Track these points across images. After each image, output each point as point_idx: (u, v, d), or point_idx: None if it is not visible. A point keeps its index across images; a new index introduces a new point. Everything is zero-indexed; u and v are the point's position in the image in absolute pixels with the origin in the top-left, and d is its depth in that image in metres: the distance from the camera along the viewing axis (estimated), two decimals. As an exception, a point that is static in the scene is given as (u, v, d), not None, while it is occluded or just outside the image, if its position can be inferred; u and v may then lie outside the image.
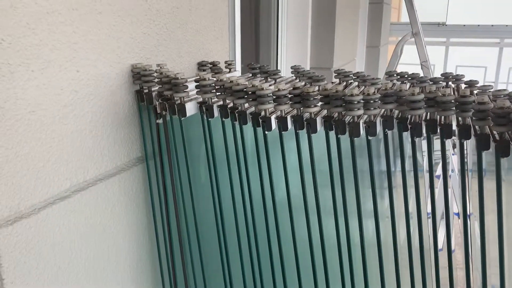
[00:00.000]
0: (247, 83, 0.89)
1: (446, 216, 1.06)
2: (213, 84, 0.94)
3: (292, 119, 0.88)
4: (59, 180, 0.90)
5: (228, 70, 1.39)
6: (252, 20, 2.92)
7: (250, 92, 0.88)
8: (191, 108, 0.96)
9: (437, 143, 0.97)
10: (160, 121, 1.00)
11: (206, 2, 1.35)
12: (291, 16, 2.95)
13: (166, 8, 1.16)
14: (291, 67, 1.30)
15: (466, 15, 6.07)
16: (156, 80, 0.99)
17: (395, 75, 1.23)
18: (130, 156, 1.09)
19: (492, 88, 1.04)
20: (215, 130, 0.97)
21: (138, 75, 1.03)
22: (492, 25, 5.27)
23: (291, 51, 3.00)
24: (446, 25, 5.42)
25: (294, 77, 1.28)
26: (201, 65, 1.33)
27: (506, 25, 5.24)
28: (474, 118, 0.78)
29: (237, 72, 1.40)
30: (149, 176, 1.12)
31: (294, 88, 0.87)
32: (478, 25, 5.32)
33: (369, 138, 0.86)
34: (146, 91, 1.04)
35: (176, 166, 1.03)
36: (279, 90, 0.86)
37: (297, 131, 0.88)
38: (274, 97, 0.86)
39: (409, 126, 0.85)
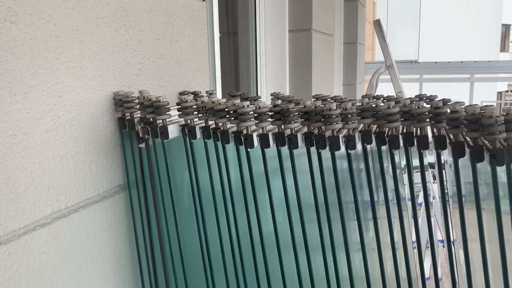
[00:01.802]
0: (228, 103, 0.91)
1: (430, 243, 1.07)
2: (195, 106, 0.95)
3: (274, 136, 0.90)
4: (40, 206, 0.89)
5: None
6: (232, 59, 3.00)
7: (231, 111, 0.90)
8: (173, 131, 0.97)
9: (417, 176, 1.00)
10: (142, 145, 1.01)
11: (186, 35, 1.39)
12: (270, 55, 3.04)
13: (148, 39, 1.19)
14: (271, 94, 1.34)
15: (437, 52, 6.34)
16: (138, 105, 1.00)
17: (371, 97, 1.27)
18: (112, 183, 1.08)
19: (464, 104, 1.08)
20: (198, 153, 0.98)
21: (120, 102, 1.04)
22: (462, 62, 5.51)
23: (270, 89, 3.07)
24: (418, 62, 5.64)
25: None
26: (182, 95, 1.35)
27: (475, 61, 5.48)
28: (448, 127, 0.81)
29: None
30: (132, 204, 1.11)
31: (275, 106, 0.89)
32: (449, 62, 5.55)
33: (349, 151, 0.88)
34: (128, 117, 1.05)
35: (159, 191, 1.02)
36: (260, 107, 0.88)
37: (279, 147, 0.90)
38: (256, 114, 0.88)
39: (387, 139, 0.88)
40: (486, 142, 0.77)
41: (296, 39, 3.09)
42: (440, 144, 0.84)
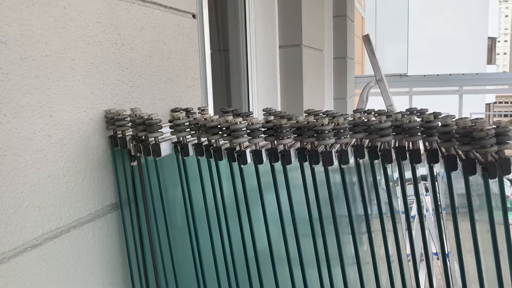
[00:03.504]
0: (221, 119, 0.91)
1: (425, 256, 1.07)
2: (187, 123, 0.95)
3: (267, 152, 0.90)
4: (30, 227, 0.87)
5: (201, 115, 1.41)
6: (223, 75, 3.01)
7: (224, 128, 0.90)
8: (165, 149, 0.97)
9: (409, 188, 1.00)
10: (134, 163, 1.00)
11: (177, 52, 1.40)
12: (260, 71, 3.06)
13: (139, 57, 1.19)
14: (263, 110, 1.34)
15: (425, 66, 6.42)
16: (130, 123, 1.00)
17: (362, 112, 1.28)
18: (104, 202, 1.07)
19: (454, 117, 1.09)
20: (190, 170, 0.98)
21: (112, 120, 1.04)
22: (450, 74, 5.59)
23: (262, 105, 3.08)
24: (407, 76, 5.71)
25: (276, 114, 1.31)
26: (174, 112, 1.34)
27: (463, 74, 5.57)
28: (439, 140, 0.81)
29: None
30: (124, 223, 1.10)
31: (267, 122, 0.89)
32: (438, 75, 5.62)
33: (342, 166, 0.88)
34: (120, 135, 1.05)
35: (152, 209, 1.01)
36: (252, 124, 0.88)
37: (272, 163, 0.90)
38: (248, 131, 0.88)
39: (379, 154, 0.88)
40: (478, 155, 0.78)
41: (287, 55, 3.12)
42: (432, 158, 0.85)
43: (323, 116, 1.23)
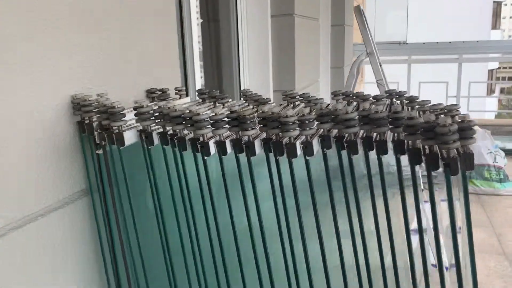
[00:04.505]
0: (184, 109, 0.88)
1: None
2: (152, 111, 0.93)
3: (232, 142, 0.88)
4: (-8, 218, 0.87)
5: (178, 96, 1.39)
6: (213, 46, 2.95)
7: (188, 118, 0.87)
8: (131, 137, 0.95)
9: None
10: (100, 151, 0.98)
11: (153, 31, 1.35)
12: (252, 41, 2.99)
13: (110, 38, 1.15)
14: (241, 91, 1.31)
15: (425, 33, 6.28)
16: (95, 110, 0.98)
17: (340, 94, 1.25)
18: (73, 188, 1.06)
19: (430, 103, 1.07)
20: (158, 158, 0.96)
21: (78, 106, 1.02)
22: (450, 42, 5.47)
23: (254, 76, 3.03)
24: (406, 43, 5.60)
25: (244, 101, 1.29)
26: (149, 93, 1.32)
27: (463, 42, 5.45)
28: (405, 133, 0.79)
29: (187, 98, 1.40)
30: (95, 209, 1.09)
31: (232, 112, 0.87)
32: (437, 43, 5.51)
33: (307, 158, 0.86)
34: (87, 121, 1.03)
35: (118, 197, 1.00)
36: (216, 114, 0.86)
37: (237, 154, 0.88)
38: (212, 121, 0.86)
39: (345, 144, 0.86)
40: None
41: (279, 25, 3.04)
42: (398, 149, 0.83)
43: (299, 98, 1.20)
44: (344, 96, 1.25)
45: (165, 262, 0.99)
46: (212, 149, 0.87)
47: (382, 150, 0.85)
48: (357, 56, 2.57)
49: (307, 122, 0.85)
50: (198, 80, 2.41)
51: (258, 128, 0.88)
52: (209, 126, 0.86)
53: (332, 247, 0.89)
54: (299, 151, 0.86)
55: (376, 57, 2.23)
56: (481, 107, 5.63)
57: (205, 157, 0.87)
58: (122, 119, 0.92)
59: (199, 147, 0.87)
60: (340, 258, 0.90)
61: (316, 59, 3.96)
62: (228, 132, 0.88)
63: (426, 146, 0.80)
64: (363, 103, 0.88)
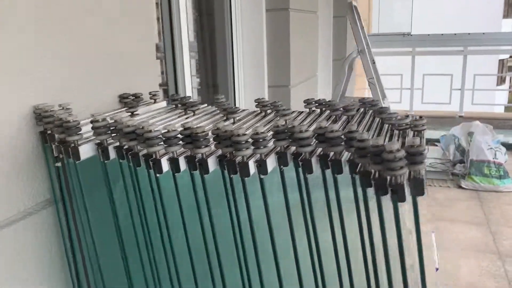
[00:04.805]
0: (138, 124, 0.87)
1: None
2: (108, 125, 0.91)
3: (186, 159, 0.87)
4: None
5: (153, 101, 1.37)
6: (207, 41, 2.92)
7: (140, 134, 0.86)
8: (88, 151, 0.94)
9: None
10: (59, 164, 0.98)
11: (129, 32, 1.33)
12: (246, 36, 2.96)
13: (78, 43, 1.14)
14: (214, 98, 1.29)
15: (430, 25, 6.17)
16: (54, 123, 0.97)
17: (313, 102, 1.23)
18: (36, 199, 1.05)
19: (397, 115, 1.04)
20: (116, 171, 0.95)
21: (40, 117, 1.01)
22: (455, 34, 5.37)
23: (248, 71, 3.00)
24: (411, 35, 5.51)
25: (216, 109, 1.27)
26: (122, 98, 1.30)
27: (469, 33, 5.35)
28: (356, 155, 0.77)
29: (163, 103, 1.38)
30: (60, 218, 1.09)
31: (185, 129, 0.85)
32: (442, 34, 5.41)
33: (261, 176, 0.84)
34: (49, 132, 1.02)
35: (82, 207, 1.00)
36: (168, 131, 0.84)
37: (191, 171, 0.87)
38: (164, 138, 0.84)
39: (300, 163, 0.84)
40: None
41: (274, 19, 2.99)
42: (352, 170, 0.81)
43: (271, 107, 1.18)
44: (317, 104, 1.23)
45: (124, 270, 0.99)
46: (166, 166, 0.86)
47: (337, 170, 0.83)
48: (349, 53, 2.52)
49: (261, 140, 0.83)
50: (188, 76, 2.39)
51: (213, 145, 0.87)
52: (161, 143, 0.85)
53: (285, 267, 0.88)
54: (254, 169, 0.84)
55: (367, 55, 2.19)
56: (491, 100, 5.52)
57: (157, 175, 0.86)
58: (78, 133, 0.91)
59: (151, 164, 0.86)
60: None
61: (314, 53, 3.91)
62: (182, 149, 0.86)
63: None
64: (320, 121, 0.85)
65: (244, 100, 3.02)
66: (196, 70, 3.91)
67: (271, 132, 0.86)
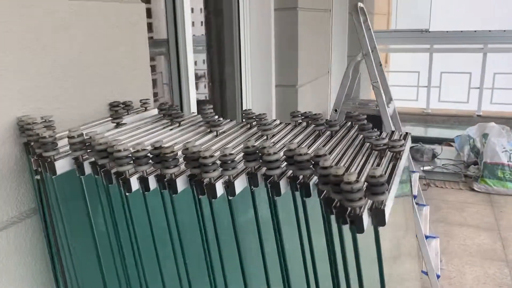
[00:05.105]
0: (109, 141, 0.88)
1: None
2: (83, 141, 0.93)
3: (156, 178, 0.87)
4: None
5: (144, 108, 1.38)
6: (215, 39, 2.92)
7: (111, 153, 0.87)
8: (64, 166, 0.95)
9: None
10: (38, 177, 0.99)
11: (119, 42, 1.34)
12: (254, 35, 2.94)
13: (66, 56, 1.15)
14: (200, 110, 1.30)
15: (449, 21, 6.02)
16: (33, 137, 0.98)
17: (299, 115, 1.22)
18: (20, 208, 1.08)
19: (376, 134, 1.02)
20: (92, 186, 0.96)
21: (23, 128, 1.02)
22: (475, 31, 5.23)
23: (256, 70, 2.99)
24: (429, 31, 5.38)
25: (201, 119, 1.27)
26: (112, 106, 1.32)
27: (490, 31, 5.20)
28: (320, 181, 0.76)
29: (154, 110, 1.39)
30: (43, 227, 1.11)
31: (155, 148, 0.86)
32: (461, 31, 5.28)
33: (229, 198, 0.84)
34: (32, 143, 1.03)
35: (55, 220, 1.02)
36: (137, 151, 0.85)
37: (161, 190, 0.87)
38: (134, 158, 0.85)
39: (268, 185, 0.84)
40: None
41: (282, 18, 2.97)
42: (318, 194, 0.80)
43: (255, 119, 1.18)
44: (303, 117, 1.21)
45: (101, 275, 1.01)
46: (136, 184, 0.87)
47: (305, 193, 0.82)
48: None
49: (229, 162, 0.83)
50: (192, 75, 2.39)
51: (184, 164, 0.87)
52: (131, 162, 0.86)
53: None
54: (222, 190, 0.84)
55: (371, 58, 2.15)
56: (511, 99, 5.36)
57: (126, 193, 0.86)
58: (54, 148, 0.93)
59: (121, 183, 0.86)
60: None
61: (326, 51, 3.87)
62: (152, 168, 0.87)
63: (342, 196, 0.77)
64: (290, 144, 0.84)
65: (251, 99, 3.02)
66: (202, 72, 3.91)
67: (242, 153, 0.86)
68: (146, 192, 0.86)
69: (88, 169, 0.94)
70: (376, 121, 2.36)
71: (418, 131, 5.18)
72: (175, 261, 0.90)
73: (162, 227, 0.90)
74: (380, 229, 0.72)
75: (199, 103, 2.41)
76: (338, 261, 0.80)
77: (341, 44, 4.67)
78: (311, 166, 0.81)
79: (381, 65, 2.40)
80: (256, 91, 3.00)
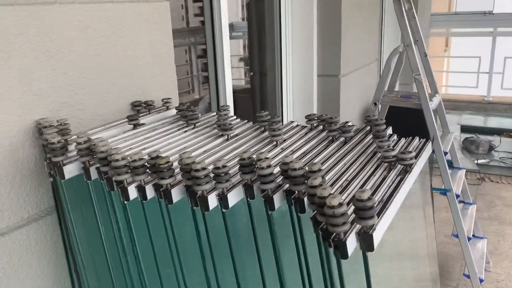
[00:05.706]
0: (108, 150, 0.89)
1: None
2: (89, 148, 0.95)
3: (154, 187, 0.88)
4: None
5: (165, 108, 1.39)
6: (256, 27, 2.89)
7: (110, 161, 0.88)
8: (74, 169, 0.98)
9: None
10: (51, 179, 1.03)
11: (139, 42, 1.35)
12: (296, 23, 2.87)
13: (82, 58, 1.18)
14: (216, 112, 1.29)
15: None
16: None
17: (315, 118, 1.18)
18: (40, 206, 1.13)
19: (389, 144, 0.96)
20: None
21: (41, 131, 1.06)
22: (546, 12, 4.80)
23: (297, 59, 2.93)
24: (493, 14, 5.01)
25: (216, 121, 1.26)
26: (134, 106, 1.34)
27: (563, 11, 4.75)
28: (309, 200, 0.73)
29: (173, 111, 1.39)
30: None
31: (152, 158, 0.86)
32: (529, 13, 4.86)
33: (223, 210, 0.83)
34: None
35: (69, 220, 1.06)
36: (134, 160, 0.85)
37: (159, 199, 0.88)
38: (131, 167, 0.86)
39: (263, 199, 0.82)
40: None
41: (325, 3, 2.86)
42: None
43: (275, 123, 1.14)
44: (319, 120, 1.17)
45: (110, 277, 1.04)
46: (134, 193, 0.88)
47: (299, 208, 0.79)
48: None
49: (222, 175, 0.81)
50: (228, 67, 2.37)
51: (181, 175, 0.86)
52: (129, 171, 0.86)
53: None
54: (215, 202, 0.83)
55: (413, 50, 2.03)
56: None
57: (125, 202, 0.88)
58: (63, 153, 0.96)
59: (119, 191, 0.88)
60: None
61: (375, 36, 3.71)
62: (149, 177, 0.87)
63: (332, 217, 0.73)
64: (286, 157, 0.81)
65: (292, 89, 2.96)
66: (240, 58, 3.87)
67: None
68: (144, 201, 0.87)
69: (94, 174, 0.96)
70: (421, 115, 2.24)
71: (476, 120, 4.88)
72: (174, 270, 0.91)
73: (164, 234, 0.91)
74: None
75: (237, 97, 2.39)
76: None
77: (394, 29, 4.46)
78: (306, 181, 0.78)
79: (426, 55, 2.26)
80: (297, 80, 2.94)
